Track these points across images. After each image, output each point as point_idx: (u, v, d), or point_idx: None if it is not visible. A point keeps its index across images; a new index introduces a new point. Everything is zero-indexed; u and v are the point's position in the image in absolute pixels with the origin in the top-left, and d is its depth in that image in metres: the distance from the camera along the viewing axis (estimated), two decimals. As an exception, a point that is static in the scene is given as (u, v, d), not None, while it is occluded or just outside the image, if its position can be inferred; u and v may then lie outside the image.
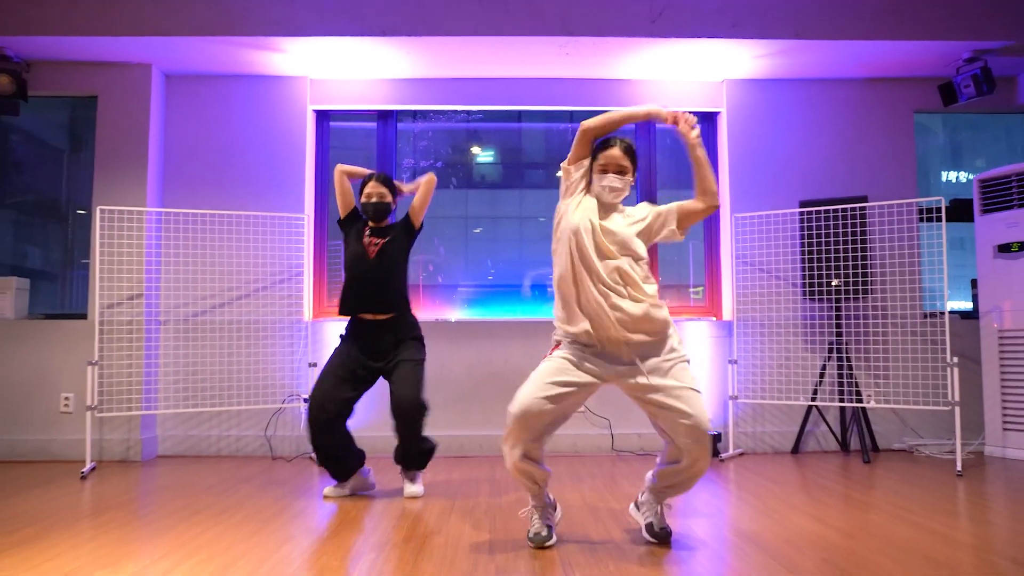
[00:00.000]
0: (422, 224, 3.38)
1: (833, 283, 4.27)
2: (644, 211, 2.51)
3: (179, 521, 2.79)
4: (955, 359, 3.81)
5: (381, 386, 3.31)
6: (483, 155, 5.13)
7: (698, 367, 4.54)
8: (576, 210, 2.43)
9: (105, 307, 4.23)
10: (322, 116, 4.82)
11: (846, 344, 4.39)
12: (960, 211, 4.73)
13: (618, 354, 2.33)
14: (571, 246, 2.37)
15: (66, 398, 4.26)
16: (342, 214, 3.38)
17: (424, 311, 4.76)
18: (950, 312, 4.80)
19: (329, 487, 3.27)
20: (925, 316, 4.52)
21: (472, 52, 4.32)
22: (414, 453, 3.22)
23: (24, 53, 4.25)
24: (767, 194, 4.64)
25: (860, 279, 4.20)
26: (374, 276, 3.21)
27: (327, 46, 4.21)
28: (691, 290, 4.93)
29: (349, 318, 3.28)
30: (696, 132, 2.47)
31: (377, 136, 4.87)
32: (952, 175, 5.36)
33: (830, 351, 4.36)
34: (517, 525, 2.71)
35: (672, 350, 2.35)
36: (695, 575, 2.12)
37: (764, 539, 2.50)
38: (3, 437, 4.24)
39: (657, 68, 4.58)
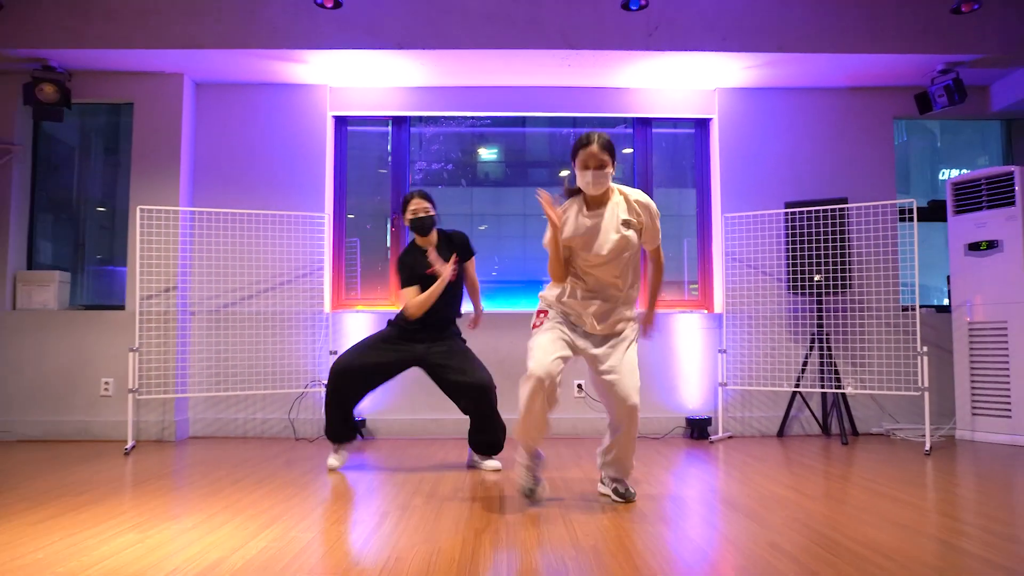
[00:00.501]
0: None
1: (816, 279, 4.60)
2: (637, 217, 2.80)
3: (223, 487, 3.14)
4: (925, 348, 4.15)
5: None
6: (488, 154, 5.47)
7: (690, 356, 4.89)
8: (573, 220, 2.77)
9: (143, 298, 4.57)
10: (340, 121, 5.16)
11: (827, 335, 4.72)
12: (938, 211, 5.06)
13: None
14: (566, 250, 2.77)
15: (106, 383, 4.61)
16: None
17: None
18: (928, 306, 5.14)
19: (332, 458, 3.58)
20: (903, 309, 4.85)
21: (481, 63, 4.65)
22: (492, 432, 3.54)
23: (67, 64, 4.59)
24: (755, 195, 4.97)
25: (840, 275, 4.53)
26: (446, 303, 3.56)
27: (347, 57, 4.54)
28: (690, 285, 5.27)
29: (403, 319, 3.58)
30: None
31: (391, 140, 5.21)
32: (955, 171, 5.71)
33: (812, 341, 4.70)
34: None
35: (626, 337, 2.81)
36: (678, 527, 2.46)
37: (741, 503, 2.84)
38: (48, 418, 4.59)
39: (653, 77, 4.91)
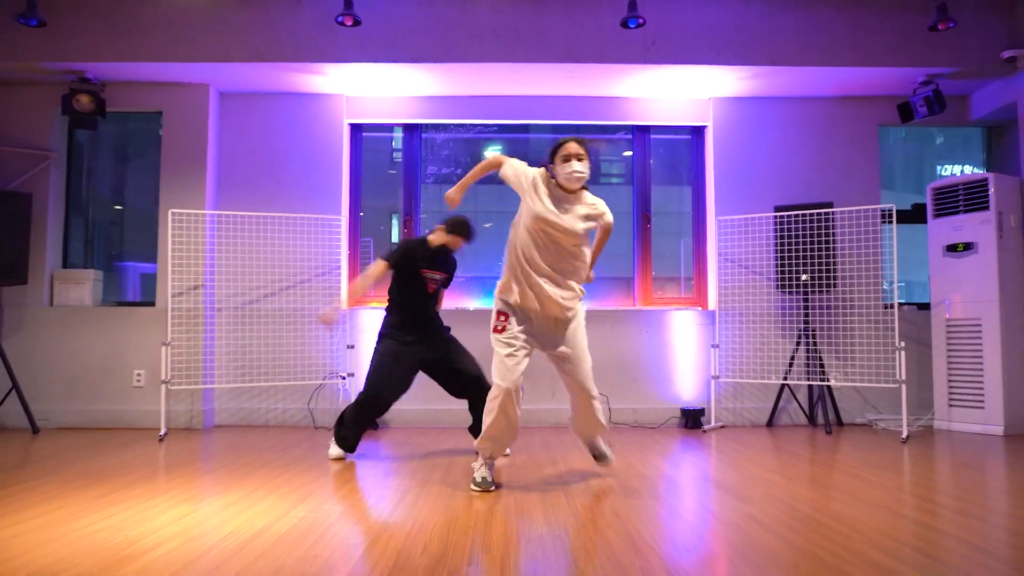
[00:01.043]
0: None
1: (803, 278, 4.90)
2: (594, 210, 3.03)
3: (254, 469, 3.46)
4: (903, 344, 4.46)
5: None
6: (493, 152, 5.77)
7: (685, 350, 5.20)
8: (536, 202, 2.96)
9: (173, 296, 4.89)
10: (356, 128, 5.47)
11: (814, 331, 5.02)
12: (921, 214, 5.34)
13: (542, 324, 3.04)
14: (526, 234, 2.95)
15: (138, 374, 4.94)
16: (387, 270, 3.76)
17: (445, 301, 5.39)
18: (910, 303, 5.45)
19: (334, 450, 3.78)
20: (886, 307, 5.15)
21: (489, 74, 4.95)
22: None
23: (101, 76, 4.90)
24: (747, 199, 5.27)
25: (826, 274, 4.83)
26: (425, 303, 3.81)
27: (364, 70, 4.84)
28: (689, 280, 5.58)
29: (390, 319, 3.82)
30: None
31: (404, 145, 5.52)
32: (957, 168, 6.03)
33: (800, 337, 5.01)
34: (531, 476, 3.37)
35: (578, 323, 3.07)
36: (668, 503, 2.78)
37: (728, 483, 3.15)
38: (84, 407, 4.92)
39: (651, 88, 5.21)
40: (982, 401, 4.67)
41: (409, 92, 5.29)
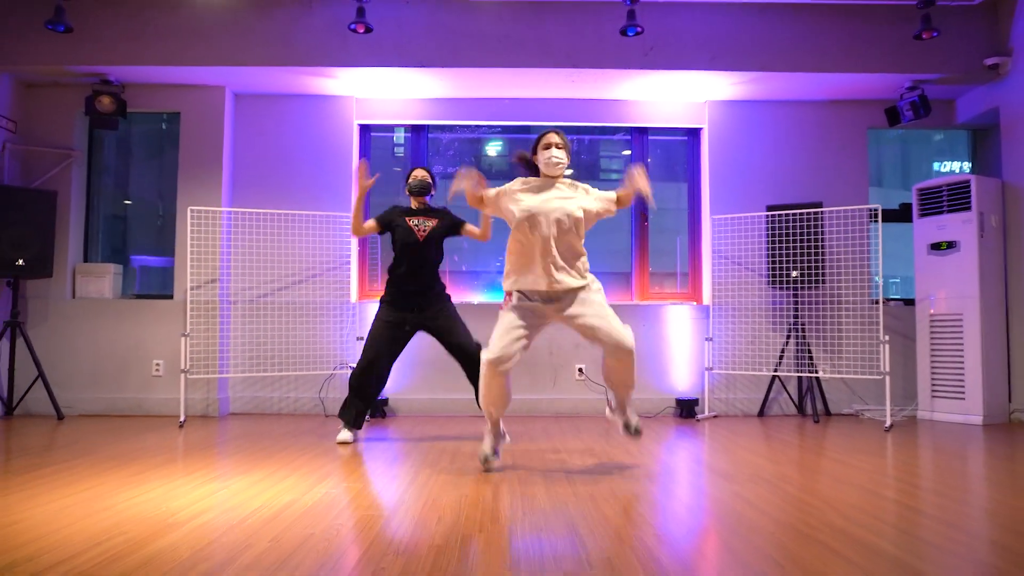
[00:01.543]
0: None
1: (793, 274, 5.12)
2: (583, 193, 3.19)
3: (273, 452, 3.69)
4: (887, 337, 4.69)
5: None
6: (495, 152, 5.99)
7: (680, 343, 5.43)
8: (527, 198, 3.14)
9: (190, 289, 5.11)
10: (365, 129, 5.68)
11: (803, 325, 5.25)
12: (908, 213, 5.56)
13: (551, 298, 3.13)
14: (524, 225, 3.09)
15: (157, 364, 5.16)
16: (378, 229, 4.04)
17: (452, 295, 5.63)
18: (897, 299, 5.67)
19: (343, 434, 4.00)
20: (874, 303, 5.37)
21: (493, 79, 5.16)
22: None
23: (122, 78, 5.11)
24: (741, 199, 5.49)
25: (815, 271, 5.05)
26: (421, 255, 3.99)
27: (373, 73, 5.05)
28: (684, 276, 5.80)
29: (387, 288, 4.04)
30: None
31: (410, 145, 5.73)
32: (956, 165, 6.25)
33: (790, 331, 5.24)
34: (534, 461, 3.60)
35: (589, 289, 3.15)
36: (663, 484, 3.01)
37: (719, 467, 3.38)
38: (106, 395, 5.15)
39: (649, 92, 5.42)
40: (963, 392, 4.90)
41: (416, 94, 5.50)
